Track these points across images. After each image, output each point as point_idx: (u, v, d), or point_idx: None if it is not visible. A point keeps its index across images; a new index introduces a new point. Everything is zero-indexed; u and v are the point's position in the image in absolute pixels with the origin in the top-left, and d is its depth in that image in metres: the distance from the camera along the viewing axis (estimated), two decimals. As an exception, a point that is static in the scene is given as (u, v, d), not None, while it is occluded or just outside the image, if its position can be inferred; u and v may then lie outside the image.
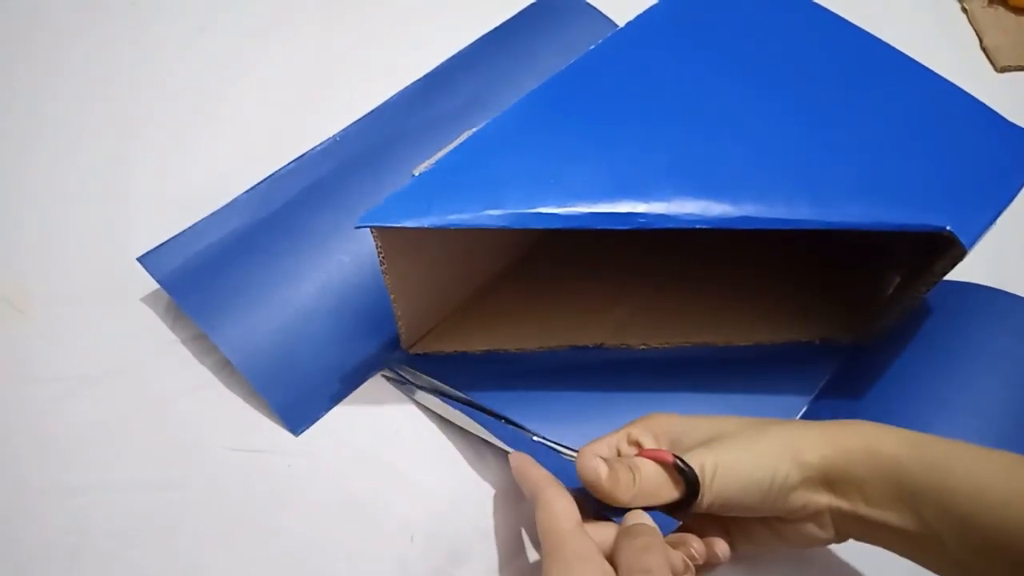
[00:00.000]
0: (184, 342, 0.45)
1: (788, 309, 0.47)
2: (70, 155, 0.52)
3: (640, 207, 0.35)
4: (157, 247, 0.45)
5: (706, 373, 0.44)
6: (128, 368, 0.44)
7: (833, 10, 0.43)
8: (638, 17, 0.42)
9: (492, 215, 0.35)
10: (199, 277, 0.44)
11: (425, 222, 0.35)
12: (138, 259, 0.44)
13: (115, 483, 0.41)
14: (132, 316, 0.46)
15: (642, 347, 0.45)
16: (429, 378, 0.43)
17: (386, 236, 0.37)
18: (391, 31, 0.60)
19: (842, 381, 0.44)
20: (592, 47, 0.40)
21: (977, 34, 0.62)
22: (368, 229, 0.35)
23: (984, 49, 0.61)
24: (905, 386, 0.43)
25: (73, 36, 0.58)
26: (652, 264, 0.48)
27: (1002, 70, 0.59)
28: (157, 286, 0.45)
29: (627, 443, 0.36)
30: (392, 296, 0.41)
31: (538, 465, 0.37)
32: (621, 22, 0.55)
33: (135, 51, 0.58)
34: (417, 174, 0.36)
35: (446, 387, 0.43)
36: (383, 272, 0.39)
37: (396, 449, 0.43)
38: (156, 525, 0.40)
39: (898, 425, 0.36)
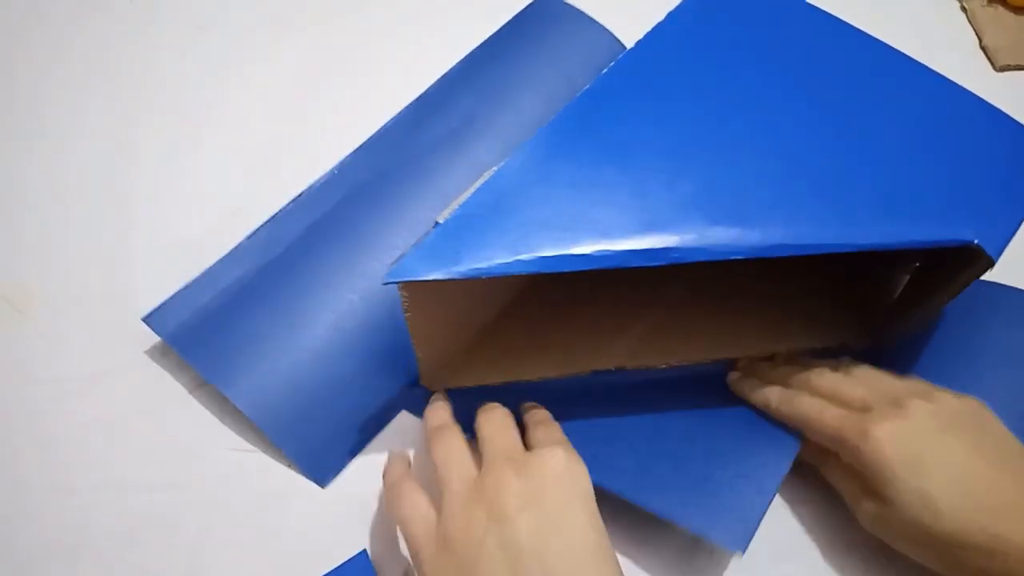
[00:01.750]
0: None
1: (802, 317, 0.47)
2: (69, 154, 0.52)
3: (672, 241, 0.35)
4: (161, 305, 0.43)
5: (727, 389, 0.44)
6: (128, 368, 0.44)
7: (831, 9, 0.42)
8: (645, 38, 0.41)
9: (524, 261, 0.34)
10: (207, 331, 0.42)
11: (456, 273, 0.34)
12: (143, 319, 0.42)
13: (115, 483, 0.41)
14: (132, 316, 0.44)
15: (664, 367, 0.45)
16: None
17: (412, 286, 0.36)
18: (391, 28, 0.60)
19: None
20: (604, 71, 0.39)
21: (976, 33, 0.61)
22: (385, 279, 0.34)
23: (983, 48, 0.61)
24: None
25: (72, 35, 0.58)
26: (664, 281, 0.47)
27: (1001, 69, 0.59)
28: (154, 288, 0.44)
29: None
30: (414, 340, 0.40)
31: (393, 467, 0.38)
32: (611, 26, 0.55)
33: (134, 49, 0.57)
34: (441, 221, 0.35)
35: None
36: (407, 319, 0.38)
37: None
38: (156, 526, 0.40)
39: None
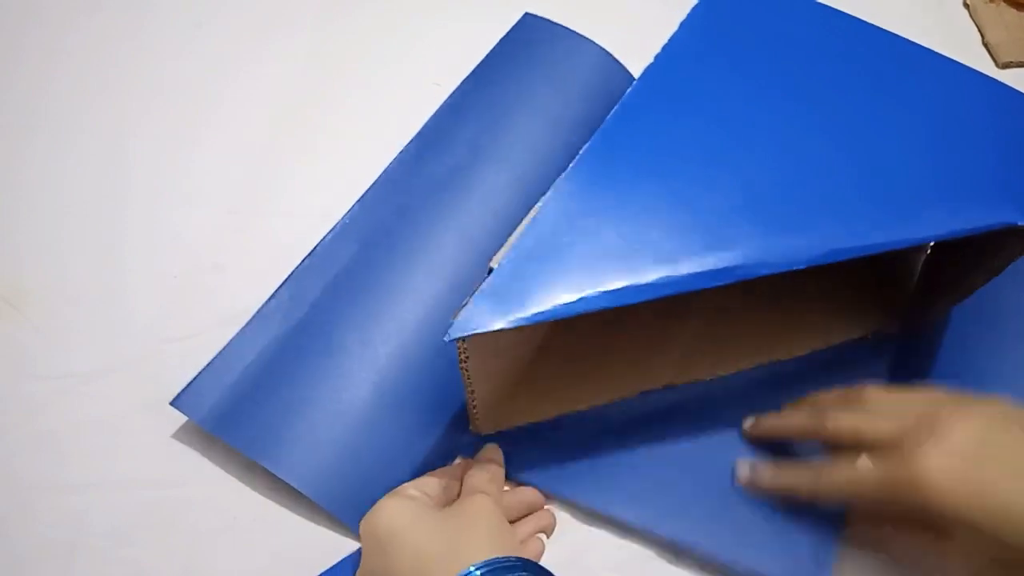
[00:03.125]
0: (181, 339, 0.44)
1: (834, 309, 0.47)
2: (66, 153, 0.52)
3: (736, 259, 0.34)
4: (189, 385, 0.40)
5: (780, 391, 0.44)
6: (124, 365, 0.44)
7: (837, 8, 0.42)
8: (662, 51, 0.40)
9: (590, 297, 0.33)
10: (241, 408, 0.40)
11: (523, 320, 0.32)
12: (171, 403, 0.40)
13: (112, 481, 0.40)
14: (128, 313, 0.45)
15: (710, 379, 0.45)
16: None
17: (472, 339, 0.34)
18: (390, 25, 0.59)
19: (907, 370, 0.45)
20: (628, 91, 0.38)
21: (979, 30, 0.62)
22: (450, 335, 0.32)
23: (986, 45, 0.61)
24: (969, 364, 0.44)
25: (70, 35, 0.57)
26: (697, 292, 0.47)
27: (1004, 66, 0.60)
28: (151, 287, 0.45)
29: None
30: (470, 391, 0.38)
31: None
32: (596, 39, 0.54)
33: (131, 49, 0.57)
34: (495, 266, 0.34)
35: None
36: (463, 370, 0.36)
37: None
38: (152, 524, 0.39)
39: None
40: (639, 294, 0.33)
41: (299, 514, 0.40)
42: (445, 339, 0.32)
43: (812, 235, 0.35)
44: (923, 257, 0.47)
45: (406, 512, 0.35)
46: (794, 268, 0.34)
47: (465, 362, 0.36)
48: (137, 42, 0.57)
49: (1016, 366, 0.43)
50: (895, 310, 0.47)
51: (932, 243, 0.46)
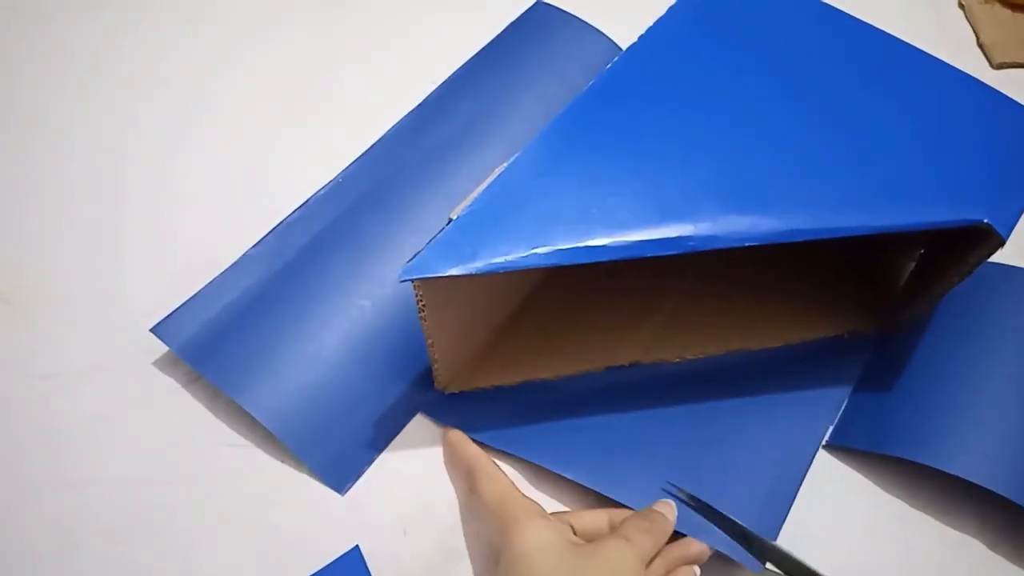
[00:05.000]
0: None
1: (812, 306, 0.47)
2: (64, 151, 0.52)
3: (688, 230, 0.35)
4: (170, 315, 0.42)
5: (744, 379, 0.44)
6: (123, 363, 0.44)
7: (835, 6, 0.43)
8: (650, 30, 0.41)
9: (541, 254, 0.34)
10: (218, 342, 0.42)
11: (473, 268, 0.34)
12: (151, 329, 0.42)
13: (110, 478, 0.41)
14: (126, 311, 0.45)
15: (677, 360, 0.45)
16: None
17: (427, 285, 0.35)
18: (387, 20, 0.60)
19: (878, 371, 0.45)
20: (609, 64, 0.40)
21: (974, 30, 0.62)
22: (402, 276, 0.34)
23: (980, 46, 0.61)
24: (940, 367, 0.43)
25: (68, 33, 0.58)
26: (675, 275, 0.47)
27: (998, 67, 0.60)
28: (148, 284, 0.45)
29: None
30: (429, 342, 0.39)
31: (472, 442, 0.40)
32: (608, 32, 0.55)
33: (127, 43, 0.57)
34: (455, 217, 0.35)
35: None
36: (422, 319, 0.38)
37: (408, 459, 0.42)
38: (151, 520, 0.40)
39: (939, 405, 0.39)
40: (586, 255, 0.34)
41: (294, 510, 0.40)
42: (398, 279, 0.33)
43: (769, 215, 0.35)
44: (911, 263, 0.47)
45: (546, 534, 0.34)
46: (745, 244, 0.35)
47: (423, 311, 0.37)
48: (131, 38, 0.58)
49: (985, 373, 0.43)
50: (874, 312, 0.47)
51: (921, 250, 0.46)
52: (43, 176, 0.51)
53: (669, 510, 0.37)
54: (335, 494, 0.41)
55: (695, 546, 0.37)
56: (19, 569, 0.38)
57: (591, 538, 0.35)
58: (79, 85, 0.55)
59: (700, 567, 0.37)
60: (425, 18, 0.60)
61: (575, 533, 0.36)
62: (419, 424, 0.43)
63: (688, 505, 0.38)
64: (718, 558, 0.38)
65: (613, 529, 0.36)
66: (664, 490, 0.39)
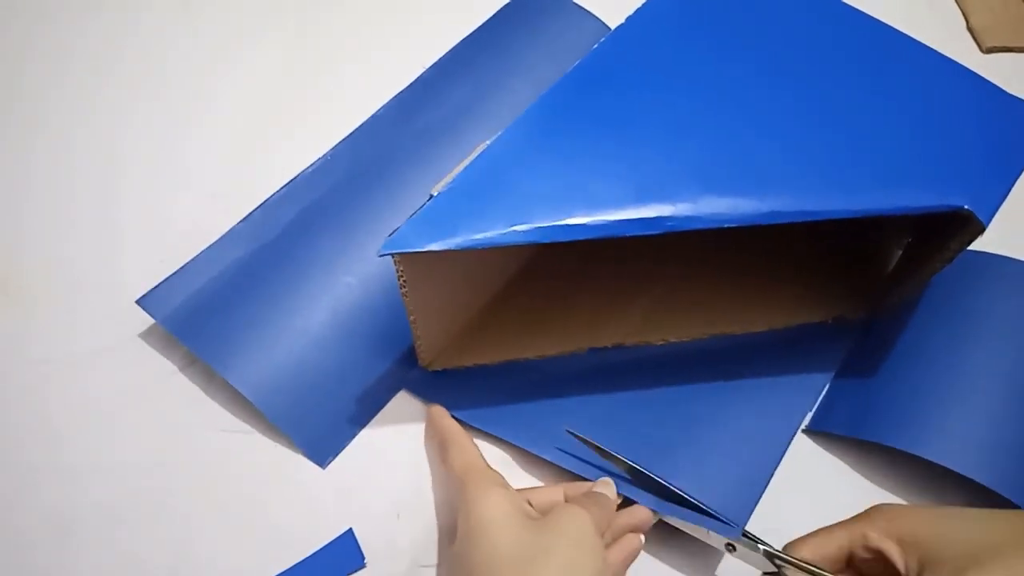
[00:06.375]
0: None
1: (798, 292, 0.47)
2: (60, 140, 0.52)
3: (667, 210, 0.35)
4: (155, 287, 0.43)
5: (727, 363, 0.44)
6: (118, 348, 0.44)
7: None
8: (638, 11, 0.41)
9: (520, 231, 0.34)
10: (203, 314, 0.42)
11: (452, 244, 0.34)
12: (137, 301, 0.42)
13: (105, 464, 0.41)
14: (122, 297, 0.45)
15: (661, 343, 0.45)
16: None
17: (408, 260, 0.36)
18: (380, 11, 0.60)
19: (860, 357, 0.45)
20: (596, 45, 0.40)
21: (963, 14, 0.61)
22: (381, 250, 0.34)
23: (970, 30, 0.60)
24: (921, 354, 0.43)
25: (61, 26, 0.58)
26: (662, 259, 0.47)
27: (988, 51, 0.59)
28: (144, 271, 0.45)
29: (862, 548, 0.34)
30: (412, 318, 0.40)
31: (449, 416, 0.41)
32: (601, 15, 0.55)
33: (124, 37, 0.57)
34: (435, 193, 0.35)
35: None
36: (403, 295, 0.38)
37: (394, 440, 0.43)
38: (148, 504, 0.40)
39: (920, 392, 0.40)
40: (565, 233, 0.34)
41: (288, 494, 0.41)
42: (378, 254, 0.34)
43: (750, 198, 0.35)
44: (898, 250, 0.47)
45: (503, 506, 0.34)
46: (725, 226, 0.35)
47: (404, 286, 0.37)
48: (128, 30, 0.58)
49: (966, 362, 0.43)
50: (860, 299, 0.47)
51: (908, 238, 0.46)
52: (40, 166, 0.51)
53: (609, 488, 0.38)
54: (330, 478, 0.41)
55: (640, 512, 0.38)
56: (15, 554, 0.38)
57: (547, 512, 0.35)
58: (75, 79, 0.55)
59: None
60: (418, 2, 0.60)
61: (532, 507, 0.36)
62: (402, 401, 0.44)
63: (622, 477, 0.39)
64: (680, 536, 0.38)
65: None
66: (568, 431, 0.40)
